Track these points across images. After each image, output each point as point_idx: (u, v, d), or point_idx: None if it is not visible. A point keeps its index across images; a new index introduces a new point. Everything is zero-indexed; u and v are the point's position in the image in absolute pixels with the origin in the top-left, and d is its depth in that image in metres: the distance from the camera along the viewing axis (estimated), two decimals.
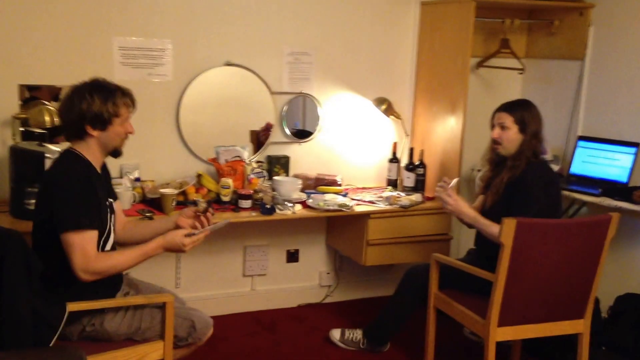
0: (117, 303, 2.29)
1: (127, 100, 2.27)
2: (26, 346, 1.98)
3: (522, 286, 2.53)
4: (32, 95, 3.00)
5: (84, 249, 2.12)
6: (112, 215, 2.39)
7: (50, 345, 2.07)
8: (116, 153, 2.34)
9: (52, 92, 3.04)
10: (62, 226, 2.12)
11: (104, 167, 2.42)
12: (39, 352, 1.92)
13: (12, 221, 2.66)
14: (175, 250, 2.29)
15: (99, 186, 2.28)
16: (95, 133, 2.23)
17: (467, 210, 2.83)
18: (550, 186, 2.78)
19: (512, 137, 2.79)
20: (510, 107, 2.83)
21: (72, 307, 2.15)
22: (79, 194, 2.16)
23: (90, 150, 2.26)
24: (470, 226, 2.90)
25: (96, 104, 2.19)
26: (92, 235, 2.17)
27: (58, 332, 2.09)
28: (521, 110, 2.80)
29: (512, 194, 2.76)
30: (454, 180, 2.89)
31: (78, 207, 2.14)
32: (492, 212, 2.84)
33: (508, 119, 2.80)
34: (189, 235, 2.29)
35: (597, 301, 2.95)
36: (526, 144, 2.78)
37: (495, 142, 2.85)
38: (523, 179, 2.74)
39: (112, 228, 2.36)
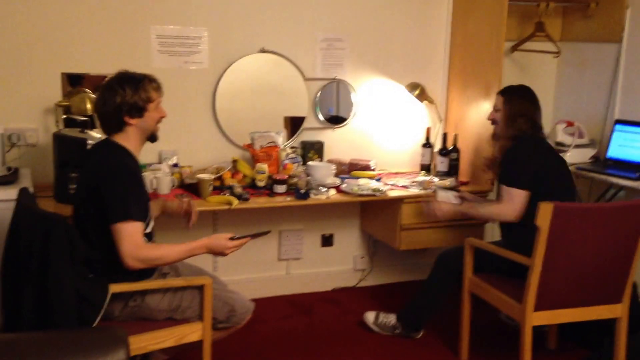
0: (157, 285, 2.35)
1: (155, 85, 2.35)
2: (71, 327, 2.05)
3: (558, 270, 2.52)
4: (74, 88, 3.08)
5: (133, 237, 2.19)
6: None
7: (94, 325, 2.14)
8: (153, 138, 2.42)
9: (95, 83, 3.12)
10: (114, 217, 2.19)
11: None
12: (83, 333, 1.97)
13: (57, 205, 2.74)
14: (218, 252, 2.36)
15: (141, 176, 2.37)
16: (133, 122, 2.30)
17: (451, 208, 3.06)
18: (537, 156, 2.86)
19: (501, 116, 2.98)
20: (502, 90, 3.04)
21: (115, 288, 2.22)
22: (129, 187, 2.24)
23: (130, 140, 2.34)
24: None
25: (129, 94, 2.27)
26: (140, 225, 2.24)
27: (101, 313, 2.16)
28: (511, 92, 2.99)
29: (502, 166, 2.93)
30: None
31: (128, 199, 2.21)
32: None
33: (499, 101, 3.00)
34: (232, 238, 2.36)
35: (634, 286, 2.91)
36: (512, 124, 2.92)
37: (492, 123, 3.06)
38: (508, 152, 2.90)
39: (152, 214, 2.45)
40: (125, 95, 2.26)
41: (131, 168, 2.30)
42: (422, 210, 3.16)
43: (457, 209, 3.06)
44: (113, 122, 2.31)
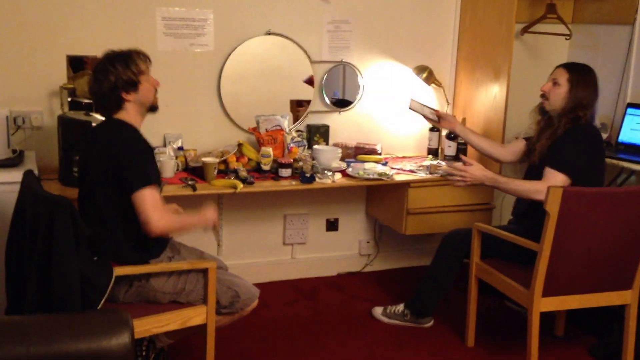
0: (161, 268, 2.35)
1: (143, 57, 2.37)
2: (75, 310, 2.05)
3: (567, 256, 2.49)
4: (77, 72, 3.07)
5: (156, 202, 2.24)
6: None
7: (98, 308, 2.14)
8: (154, 108, 2.44)
9: None
10: (136, 185, 2.22)
11: None
12: (88, 316, 1.98)
13: (61, 188, 2.74)
14: (212, 220, 2.46)
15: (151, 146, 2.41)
16: (131, 97, 2.32)
17: (482, 174, 2.86)
18: (592, 150, 2.77)
19: (560, 94, 2.79)
20: (569, 66, 2.84)
21: (119, 271, 2.22)
22: (145, 156, 2.30)
23: (131, 115, 2.35)
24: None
25: (121, 71, 2.29)
26: (158, 191, 2.31)
27: (105, 296, 2.16)
28: (578, 73, 2.79)
29: (552, 149, 2.77)
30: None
31: (146, 166, 2.26)
32: (534, 173, 2.84)
33: (563, 77, 2.80)
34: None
35: None
36: (570, 107, 2.76)
37: (542, 96, 2.87)
38: (564, 138, 2.74)
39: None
40: (118, 72, 2.28)
41: (143, 139, 2.34)
42: (451, 174, 2.93)
43: (488, 175, 2.85)
44: (112, 101, 2.32)
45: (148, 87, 2.36)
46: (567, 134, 2.76)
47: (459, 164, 2.92)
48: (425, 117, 3.33)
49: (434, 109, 3.35)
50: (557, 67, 2.87)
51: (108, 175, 2.25)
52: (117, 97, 2.31)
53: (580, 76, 2.79)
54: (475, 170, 2.87)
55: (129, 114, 2.34)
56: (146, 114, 2.42)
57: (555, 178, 2.70)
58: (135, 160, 2.25)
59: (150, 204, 2.21)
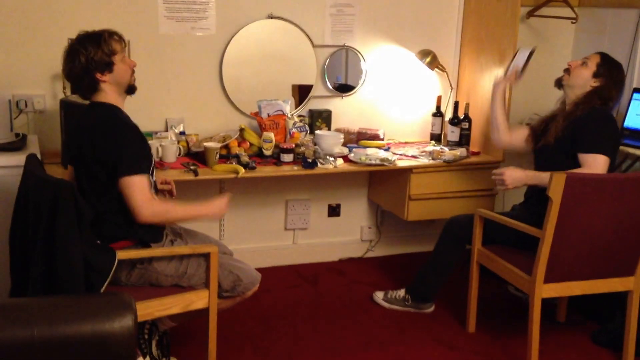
0: (163, 252, 2.35)
1: (115, 37, 2.32)
2: (78, 292, 2.06)
3: (570, 242, 2.48)
4: None
5: (144, 190, 2.22)
6: None
7: (101, 291, 2.15)
8: (131, 89, 2.39)
9: None
10: (124, 171, 2.20)
11: None
12: (90, 298, 1.98)
13: (64, 172, 2.72)
14: (218, 213, 2.48)
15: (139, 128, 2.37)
16: (106, 78, 2.28)
17: (522, 174, 2.80)
18: (616, 131, 2.77)
19: (582, 75, 2.79)
20: (605, 56, 2.82)
21: (122, 255, 2.22)
22: (135, 140, 2.27)
23: (110, 97, 2.31)
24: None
25: (92, 52, 2.24)
26: (148, 178, 2.28)
27: (108, 279, 2.17)
28: (611, 67, 2.78)
29: (577, 133, 2.72)
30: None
31: (137, 152, 2.24)
32: (548, 153, 2.82)
33: (595, 60, 2.79)
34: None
35: None
36: (589, 96, 2.76)
37: (566, 70, 2.86)
38: (591, 119, 2.72)
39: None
40: (89, 53, 2.24)
41: (131, 123, 2.31)
42: (492, 178, 2.89)
43: (529, 174, 2.76)
44: (86, 83, 2.28)
45: (123, 67, 2.31)
46: (590, 115, 2.73)
47: (497, 170, 2.86)
48: (516, 67, 3.11)
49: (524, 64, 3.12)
50: (596, 52, 2.86)
51: (96, 159, 2.23)
52: (90, 78, 2.26)
53: (610, 71, 2.77)
54: (514, 172, 2.79)
55: (107, 95, 2.30)
56: (125, 95, 2.37)
57: (597, 160, 2.64)
58: (127, 147, 2.22)
59: (137, 191, 2.20)
